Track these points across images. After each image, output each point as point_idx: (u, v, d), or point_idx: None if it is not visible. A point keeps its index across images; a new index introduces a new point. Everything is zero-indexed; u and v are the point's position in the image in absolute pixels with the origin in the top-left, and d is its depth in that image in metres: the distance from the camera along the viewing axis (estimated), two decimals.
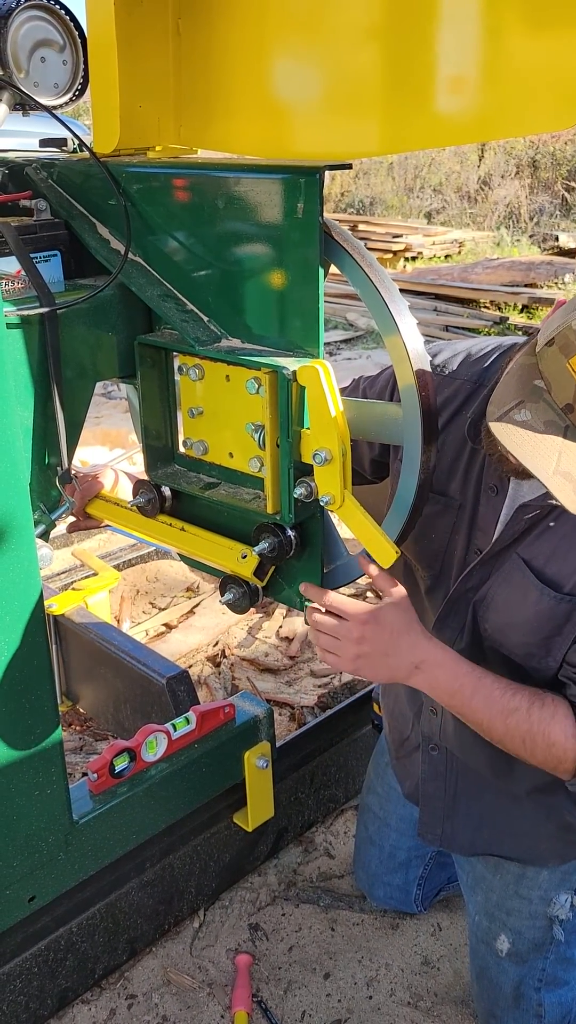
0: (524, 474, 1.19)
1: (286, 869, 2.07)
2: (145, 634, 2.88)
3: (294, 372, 1.28)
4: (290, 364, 1.29)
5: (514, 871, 1.55)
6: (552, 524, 1.28)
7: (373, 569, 1.29)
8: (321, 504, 1.32)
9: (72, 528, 1.73)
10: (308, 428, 1.32)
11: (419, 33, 1.33)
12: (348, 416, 1.32)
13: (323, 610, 1.31)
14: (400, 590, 1.29)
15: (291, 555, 1.41)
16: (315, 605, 1.32)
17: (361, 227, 10.38)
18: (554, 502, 1.18)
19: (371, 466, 1.62)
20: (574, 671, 1.29)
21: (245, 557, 1.34)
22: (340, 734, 2.13)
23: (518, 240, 10.65)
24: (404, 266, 9.48)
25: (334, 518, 1.40)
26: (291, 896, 1.99)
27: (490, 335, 6.91)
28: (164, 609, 3.02)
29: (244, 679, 2.64)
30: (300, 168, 1.24)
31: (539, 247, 10.16)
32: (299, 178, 1.22)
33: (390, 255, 9.57)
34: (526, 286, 7.88)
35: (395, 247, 9.61)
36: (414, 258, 9.73)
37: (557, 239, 9.57)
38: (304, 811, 2.11)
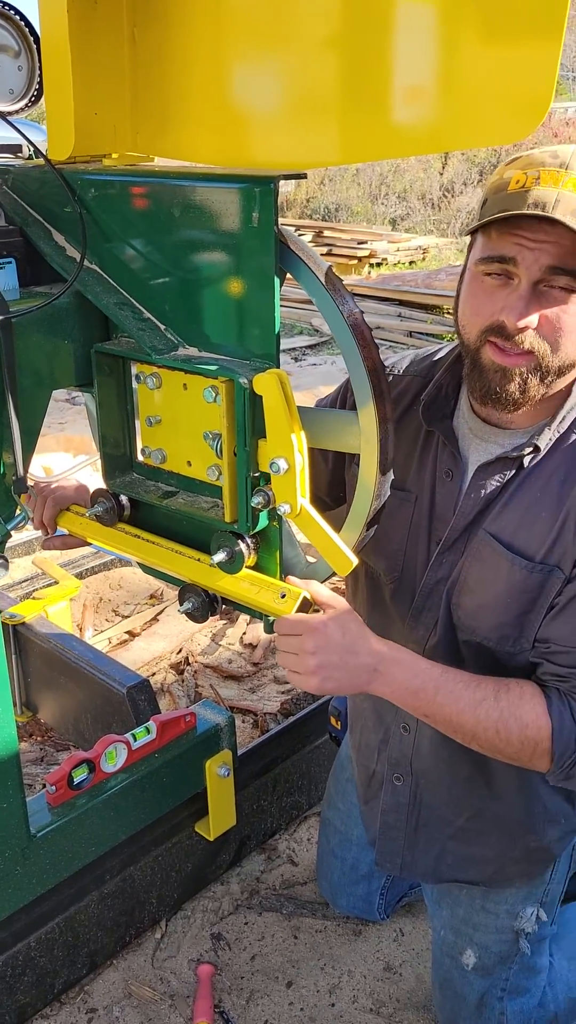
0: (511, 387, 1.21)
1: (249, 877, 2.06)
2: (108, 642, 2.86)
3: (251, 381, 1.28)
4: (247, 373, 1.29)
5: (481, 886, 1.56)
6: (514, 494, 1.28)
7: (311, 587, 1.30)
8: (279, 513, 1.33)
9: (47, 546, 1.70)
10: (265, 437, 1.32)
11: (377, 43, 1.34)
12: (306, 424, 1.32)
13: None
14: (341, 600, 1.28)
15: (249, 564, 1.42)
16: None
17: (327, 233, 10.42)
18: (515, 454, 1.25)
19: (328, 488, 1.60)
20: (545, 648, 1.27)
21: (284, 597, 1.32)
22: (303, 740, 2.13)
23: None
24: (369, 272, 9.53)
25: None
26: (254, 904, 1.99)
27: (453, 340, 6.97)
28: (127, 617, 3.00)
29: (207, 686, 2.63)
30: (255, 177, 1.24)
31: None
32: (254, 187, 1.23)
33: (355, 261, 9.62)
34: None
35: (360, 253, 9.66)
36: (379, 264, 9.79)
37: None
38: (267, 818, 2.10)
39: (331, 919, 1.96)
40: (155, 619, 2.95)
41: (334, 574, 1.42)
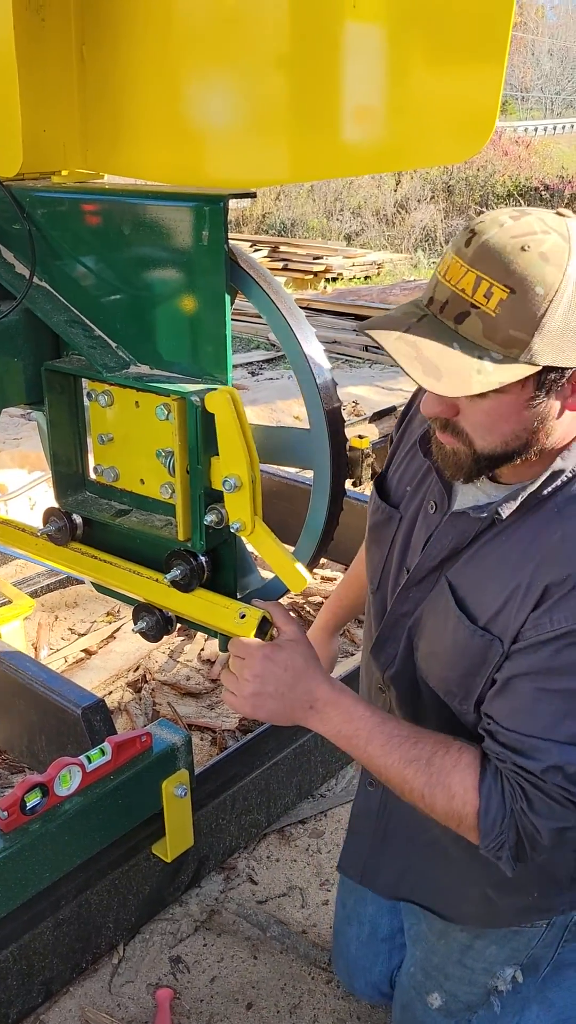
0: (448, 463, 1.16)
1: (208, 898, 2.04)
2: (64, 661, 2.82)
3: (202, 399, 1.27)
4: (198, 391, 1.29)
5: (461, 940, 1.46)
6: (480, 550, 1.19)
7: (264, 606, 1.29)
8: (232, 531, 1.32)
9: None
10: (218, 455, 1.32)
11: (326, 64, 1.35)
12: (258, 442, 1.32)
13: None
14: (297, 629, 1.25)
15: (204, 581, 1.41)
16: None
17: (282, 248, 10.47)
18: (483, 513, 1.16)
19: None
20: (487, 722, 1.18)
21: (243, 617, 1.31)
22: (261, 758, 2.12)
23: (434, 262, 10.89)
24: (325, 287, 9.59)
25: None
26: (213, 926, 1.97)
27: None
28: (84, 635, 2.96)
29: (165, 704, 2.61)
30: (205, 195, 1.25)
31: None
32: (204, 205, 1.23)
33: (311, 276, 9.68)
34: None
35: (316, 268, 9.72)
36: (334, 279, 9.87)
37: None
38: (226, 838, 2.08)
39: (290, 937, 1.94)
40: (112, 637, 2.92)
41: (287, 591, 1.43)
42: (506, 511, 1.14)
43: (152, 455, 1.39)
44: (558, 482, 1.12)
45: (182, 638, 2.96)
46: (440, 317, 1.02)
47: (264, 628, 1.29)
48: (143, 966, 1.87)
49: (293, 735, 2.18)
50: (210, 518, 1.33)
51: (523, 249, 0.97)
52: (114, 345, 1.41)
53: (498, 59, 1.12)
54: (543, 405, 1.04)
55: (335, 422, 1.31)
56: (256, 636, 1.28)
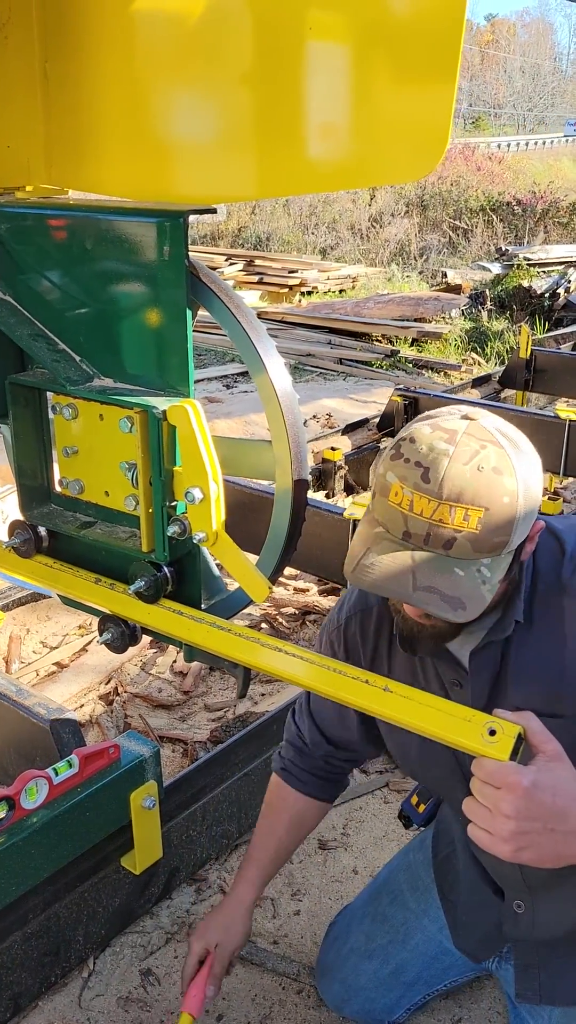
0: (425, 637, 1.20)
1: (179, 909, 2.04)
2: (36, 674, 2.81)
3: (164, 411, 1.29)
4: (160, 403, 1.31)
5: None
6: (513, 666, 1.25)
7: (515, 718, 1.05)
8: (195, 542, 1.34)
9: None
10: (180, 467, 1.33)
11: (286, 82, 1.38)
12: (221, 454, 1.34)
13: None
14: (556, 746, 1.03)
15: (168, 593, 1.42)
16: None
17: (257, 263, 10.53)
18: (502, 635, 1.22)
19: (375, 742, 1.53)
20: None
21: (494, 733, 1.05)
22: (232, 768, 2.12)
23: (408, 276, 11.01)
24: (300, 300, 9.65)
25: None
26: (183, 937, 1.96)
27: (382, 367, 7.09)
28: (56, 648, 2.95)
29: (137, 716, 2.61)
30: (165, 211, 1.27)
31: (428, 283, 10.53)
32: (164, 221, 1.25)
33: (286, 289, 9.74)
34: (416, 320, 8.14)
35: (291, 282, 9.77)
36: (309, 292, 9.92)
37: (445, 275, 9.93)
38: (196, 849, 2.08)
39: (259, 954, 1.94)
40: (84, 649, 2.91)
41: (252, 602, 1.44)
42: (510, 627, 1.23)
43: (116, 467, 1.40)
44: (536, 571, 1.24)
45: (154, 650, 2.96)
46: (427, 548, 1.09)
47: (518, 747, 1.04)
48: (113, 979, 1.87)
49: (264, 745, 2.19)
50: (173, 529, 1.34)
51: (479, 470, 1.08)
52: (78, 359, 1.42)
53: (449, 78, 1.15)
54: (517, 565, 1.17)
55: (296, 434, 1.33)
56: (510, 758, 1.04)
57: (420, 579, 1.08)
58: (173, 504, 1.36)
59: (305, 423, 5.57)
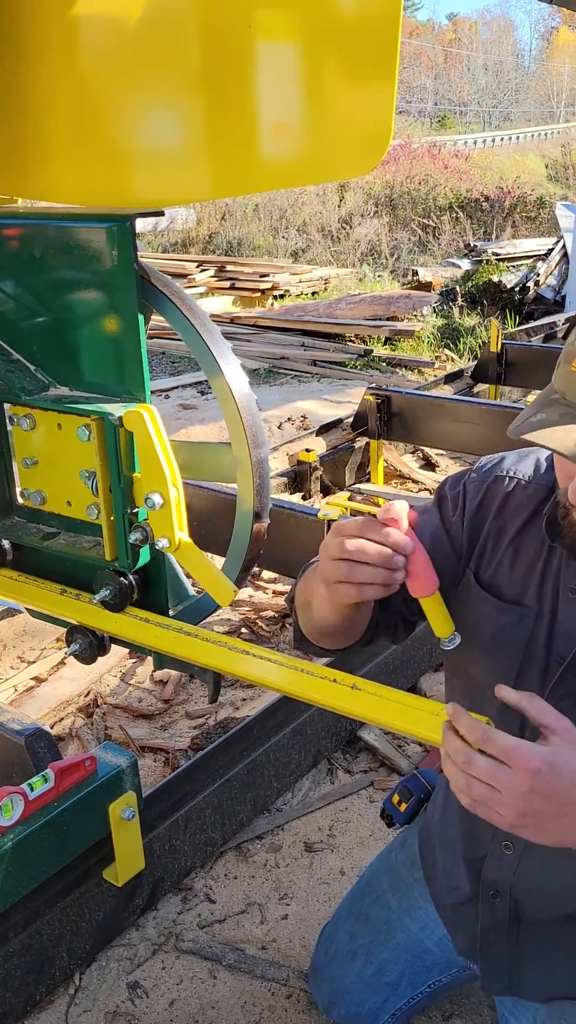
0: None
1: (165, 920, 2.02)
2: (14, 690, 2.78)
3: (120, 418, 1.28)
4: (116, 410, 1.30)
5: None
6: None
7: (517, 698, 1.00)
8: (158, 548, 1.33)
9: None
10: (139, 473, 1.32)
11: (231, 83, 1.37)
12: (181, 459, 1.33)
13: (471, 746, 0.98)
14: (568, 724, 0.97)
15: (134, 600, 1.41)
16: (453, 739, 0.98)
17: (229, 268, 10.52)
18: None
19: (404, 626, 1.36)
20: None
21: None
22: (213, 775, 2.11)
23: (380, 276, 11.04)
24: (272, 304, 9.65)
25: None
26: (171, 948, 1.95)
27: (356, 367, 7.10)
28: (33, 663, 2.93)
29: (117, 727, 2.59)
30: (112, 215, 1.26)
31: (399, 282, 10.57)
32: (111, 225, 1.24)
33: (258, 293, 9.74)
34: (388, 319, 8.16)
35: (263, 286, 9.78)
36: (282, 296, 9.93)
37: (416, 274, 9.96)
38: (180, 858, 2.07)
39: (247, 961, 1.93)
40: (62, 663, 2.89)
41: (219, 607, 1.43)
42: None
43: (77, 476, 1.39)
44: None
45: (134, 660, 2.94)
46: None
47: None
48: (100, 994, 1.85)
49: (244, 750, 2.18)
50: (135, 536, 1.33)
51: None
52: (32, 368, 1.41)
53: (389, 75, 1.15)
54: None
55: (256, 435, 1.33)
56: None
57: None
58: (135, 511, 1.35)
59: (280, 426, 5.57)
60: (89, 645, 1.46)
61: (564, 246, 9.36)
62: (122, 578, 1.38)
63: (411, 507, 0.99)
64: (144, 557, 1.38)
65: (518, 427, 1.07)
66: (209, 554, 2.79)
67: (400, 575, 0.99)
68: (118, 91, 1.45)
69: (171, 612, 1.46)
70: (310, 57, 1.28)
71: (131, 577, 1.39)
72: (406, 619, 1.33)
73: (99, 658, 1.72)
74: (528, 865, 1.31)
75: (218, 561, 1.60)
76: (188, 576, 1.58)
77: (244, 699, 2.77)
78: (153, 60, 1.39)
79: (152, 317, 1.44)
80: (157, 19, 1.35)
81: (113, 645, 1.63)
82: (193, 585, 1.85)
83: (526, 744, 0.93)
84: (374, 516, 1.31)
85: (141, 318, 1.28)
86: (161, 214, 1.35)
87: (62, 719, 2.63)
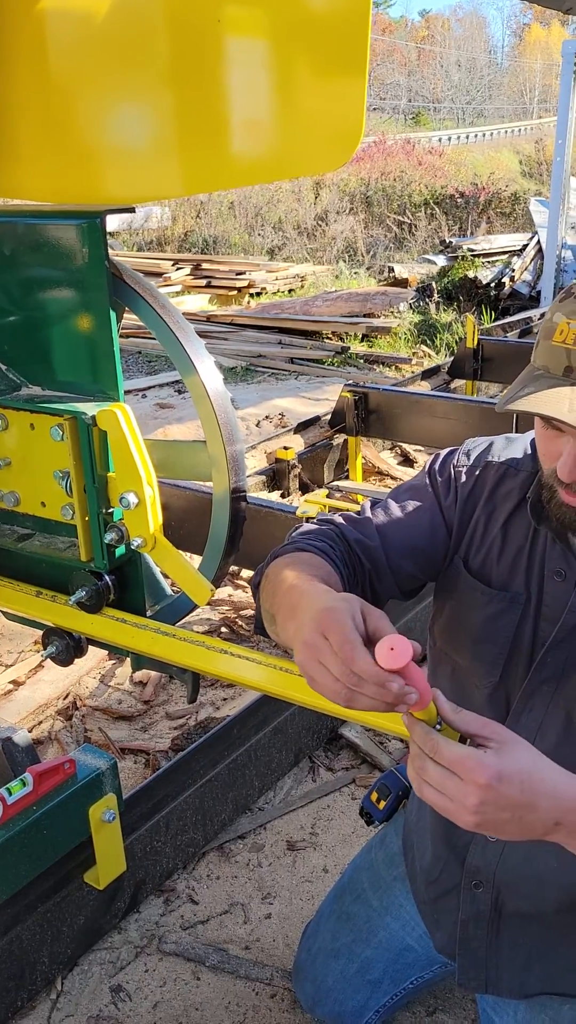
0: None
1: (148, 922, 2.01)
2: None
3: (93, 417, 1.27)
4: (90, 409, 1.28)
5: None
6: None
7: (452, 712, 0.95)
8: (133, 548, 1.32)
9: None
10: (113, 472, 1.31)
11: (202, 80, 1.36)
12: (156, 457, 1.32)
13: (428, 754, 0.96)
14: (502, 729, 0.96)
15: (110, 601, 1.40)
16: (412, 743, 0.98)
17: (205, 266, 10.48)
18: None
19: (406, 585, 1.34)
20: None
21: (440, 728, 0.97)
22: (193, 776, 2.10)
23: (356, 273, 11.05)
24: (249, 302, 9.63)
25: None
26: (153, 950, 1.94)
27: (333, 364, 7.11)
28: (11, 666, 2.90)
29: (97, 729, 2.57)
30: (81, 212, 1.24)
31: (376, 279, 10.59)
32: (81, 223, 1.23)
33: (235, 292, 9.71)
34: (365, 316, 8.17)
35: (239, 284, 9.75)
36: (258, 294, 9.91)
37: (392, 270, 9.98)
38: (162, 860, 2.06)
39: (230, 962, 1.92)
40: (40, 666, 2.86)
41: (196, 606, 1.42)
42: None
43: (51, 477, 1.37)
44: None
45: (113, 661, 2.93)
46: None
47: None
48: (83, 998, 1.84)
49: (224, 750, 2.17)
50: (110, 536, 1.32)
51: None
52: (4, 367, 1.39)
53: (360, 71, 1.15)
54: None
55: (231, 432, 1.32)
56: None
57: None
58: (110, 511, 1.34)
59: (258, 424, 5.56)
60: (66, 647, 1.45)
61: (538, 242, 9.42)
62: (98, 579, 1.37)
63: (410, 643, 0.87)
64: (121, 557, 1.37)
65: (504, 402, 1.07)
66: (188, 554, 2.78)
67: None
68: (87, 87, 1.44)
69: (148, 612, 1.45)
70: (280, 53, 1.28)
71: (107, 578, 1.38)
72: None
73: (77, 660, 1.70)
74: (512, 853, 1.31)
75: (197, 561, 1.59)
76: (166, 576, 1.57)
77: (225, 699, 2.76)
78: (122, 56, 1.38)
79: (127, 316, 1.43)
80: (125, 14, 1.34)
81: (91, 647, 1.62)
82: (172, 585, 1.84)
83: (475, 756, 0.91)
84: (355, 513, 1.30)
85: (113, 316, 1.27)
86: (132, 211, 1.33)
87: (41, 722, 2.61)
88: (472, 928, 1.37)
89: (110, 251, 1.25)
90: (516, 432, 1.34)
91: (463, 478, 1.30)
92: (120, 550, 1.36)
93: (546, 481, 1.15)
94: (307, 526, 1.25)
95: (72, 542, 1.41)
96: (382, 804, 1.69)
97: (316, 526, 1.26)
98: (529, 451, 1.29)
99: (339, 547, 1.22)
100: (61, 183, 1.51)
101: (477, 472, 1.29)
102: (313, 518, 1.33)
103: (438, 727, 0.93)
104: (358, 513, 1.30)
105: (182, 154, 1.42)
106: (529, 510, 1.22)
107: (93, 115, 1.47)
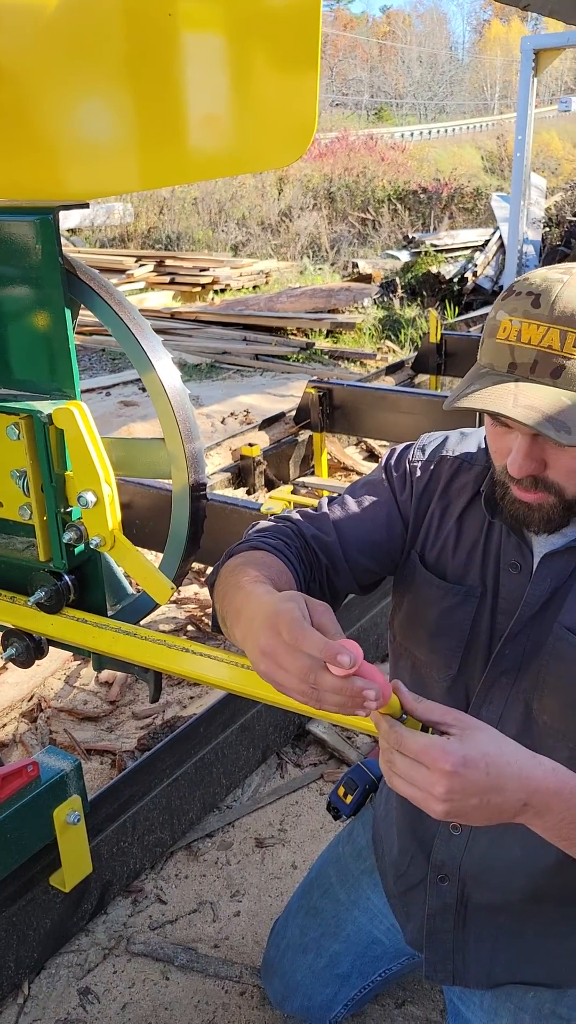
0: (534, 519, 1.12)
1: (115, 923, 2.00)
2: None
3: (49, 415, 1.25)
4: (46, 407, 1.27)
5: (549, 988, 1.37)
6: (573, 590, 1.17)
7: (414, 701, 0.96)
8: (92, 547, 1.30)
9: None
10: (71, 471, 1.30)
11: (155, 74, 1.35)
12: (115, 456, 1.31)
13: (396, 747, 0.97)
14: (464, 716, 0.96)
15: (70, 601, 1.38)
16: (381, 736, 0.97)
17: (168, 262, 10.43)
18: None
19: (363, 579, 1.34)
20: None
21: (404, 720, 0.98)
22: (160, 776, 2.09)
23: (321, 269, 11.05)
24: (213, 299, 9.60)
25: None
26: (122, 951, 1.93)
27: (298, 360, 7.11)
28: None
29: (62, 731, 2.55)
30: (34, 208, 1.23)
31: (340, 275, 10.60)
32: (33, 218, 1.21)
33: (199, 288, 9.67)
34: (329, 312, 8.18)
35: (203, 280, 9.72)
36: (223, 290, 9.88)
37: (356, 266, 10.00)
38: (129, 860, 2.04)
39: (199, 961, 1.92)
40: (4, 668, 2.83)
41: (158, 605, 1.41)
42: None
43: (8, 476, 1.35)
44: None
45: (78, 662, 2.90)
46: (533, 378, 1.03)
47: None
48: (51, 1002, 1.82)
49: (191, 749, 2.16)
50: (69, 536, 1.31)
51: None
52: None
53: (311, 66, 1.14)
54: None
55: (189, 429, 1.31)
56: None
57: (522, 399, 1.01)
58: (68, 510, 1.33)
59: (223, 421, 5.55)
60: (26, 649, 1.43)
61: (500, 237, 9.49)
62: (57, 579, 1.35)
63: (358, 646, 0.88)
64: (80, 557, 1.35)
65: (451, 400, 1.08)
66: (154, 552, 2.76)
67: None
68: (38, 81, 1.42)
69: (110, 612, 1.44)
70: (232, 47, 1.27)
71: (67, 577, 1.36)
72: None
73: (42, 661, 1.68)
74: (476, 846, 1.31)
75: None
76: (128, 576, 1.56)
77: (192, 697, 2.75)
78: (73, 49, 1.36)
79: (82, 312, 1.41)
80: (76, 6, 1.32)
81: (53, 648, 1.60)
82: (134, 584, 1.82)
83: (438, 744, 0.92)
84: (312, 509, 1.30)
85: (68, 313, 1.25)
86: (86, 206, 1.32)
87: (5, 725, 2.58)
88: (439, 921, 1.38)
89: (71, 248, 1.24)
90: (479, 427, 1.35)
91: (418, 473, 1.30)
92: (79, 549, 1.34)
93: (498, 478, 1.16)
94: (263, 523, 1.25)
95: (30, 542, 1.40)
96: (349, 798, 1.69)
97: (273, 523, 1.26)
98: (483, 445, 1.30)
99: (295, 544, 1.22)
100: (12, 178, 1.49)
101: (432, 467, 1.30)
102: (278, 514, 1.33)
103: (403, 719, 0.93)
104: (315, 509, 1.30)
105: (136, 148, 1.41)
106: (483, 504, 1.23)
107: (45, 109, 1.45)
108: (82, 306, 1.33)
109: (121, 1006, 1.82)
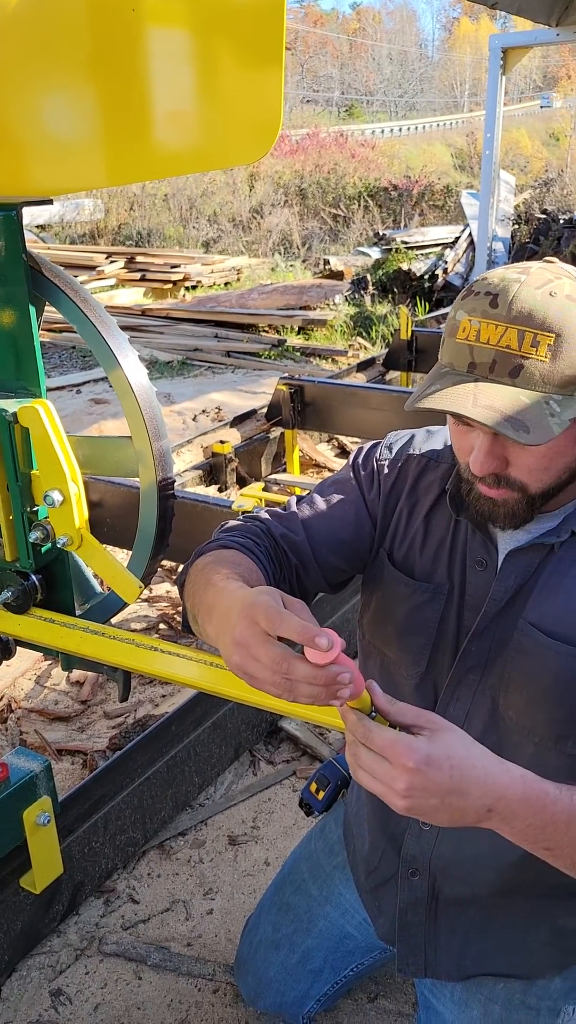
0: (499, 515, 1.13)
1: (88, 924, 1.99)
2: None
3: (14, 413, 1.24)
4: (10, 405, 1.26)
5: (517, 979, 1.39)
6: (548, 579, 1.17)
7: (387, 703, 0.96)
8: (59, 546, 1.29)
9: None
10: (37, 470, 1.29)
11: (120, 69, 1.34)
12: (82, 454, 1.30)
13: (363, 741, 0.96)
14: (436, 718, 0.96)
15: (38, 601, 1.37)
16: (348, 731, 0.97)
17: (139, 259, 10.36)
18: (551, 539, 1.15)
19: (333, 578, 1.34)
20: None
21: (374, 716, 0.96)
22: (131, 775, 2.08)
23: (292, 265, 11.05)
24: (184, 295, 9.56)
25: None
26: (94, 952, 1.92)
27: (270, 357, 7.10)
28: None
29: (32, 732, 2.53)
30: None
31: (311, 271, 10.60)
32: None
33: (170, 285, 9.63)
34: (300, 308, 8.18)
35: (174, 277, 9.67)
36: (194, 287, 9.85)
37: (328, 263, 10.01)
38: (101, 860, 2.03)
39: (172, 960, 1.91)
40: None
41: (127, 604, 1.40)
42: (564, 534, 1.15)
43: None
44: None
45: (49, 662, 2.88)
46: (492, 377, 1.04)
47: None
48: (22, 1004, 1.81)
49: (163, 748, 2.15)
50: (35, 535, 1.30)
51: (551, 295, 1.03)
52: None
53: (276, 61, 1.14)
54: None
55: (156, 427, 1.30)
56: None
57: (481, 399, 1.02)
58: (34, 509, 1.31)
59: (195, 418, 5.53)
60: None
61: (470, 234, 9.55)
62: (24, 578, 1.34)
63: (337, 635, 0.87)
64: (47, 556, 1.34)
65: (412, 401, 1.08)
66: (126, 551, 2.74)
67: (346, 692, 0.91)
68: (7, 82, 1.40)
69: (78, 611, 1.43)
70: (196, 43, 1.26)
71: (34, 577, 1.35)
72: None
73: (12, 662, 1.67)
74: (446, 841, 1.32)
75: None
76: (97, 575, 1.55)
77: (164, 695, 2.74)
78: (35, 43, 1.35)
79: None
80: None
81: (25, 648, 1.59)
82: (104, 585, 1.81)
83: (404, 740, 0.92)
84: (281, 508, 1.30)
85: (33, 310, 1.24)
86: (50, 202, 1.30)
87: None
88: (411, 915, 1.39)
89: (41, 244, 1.22)
90: (446, 425, 1.36)
91: (386, 471, 1.31)
92: (46, 548, 1.33)
93: (463, 475, 1.17)
94: (232, 523, 1.25)
95: None
96: (321, 794, 1.69)
97: (241, 522, 1.26)
98: (449, 443, 1.31)
99: (265, 543, 1.22)
100: None
101: (399, 465, 1.31)
102: (249, 512, 1.33)
103: (372, 715, 0.94)
104: (284, 508, 1.30)
105: (100, 144, 1.40)
106: (448, 502, 1.23)
107: (6, 104, 1.43)
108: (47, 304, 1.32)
109: (93, 1007, 1.81)
